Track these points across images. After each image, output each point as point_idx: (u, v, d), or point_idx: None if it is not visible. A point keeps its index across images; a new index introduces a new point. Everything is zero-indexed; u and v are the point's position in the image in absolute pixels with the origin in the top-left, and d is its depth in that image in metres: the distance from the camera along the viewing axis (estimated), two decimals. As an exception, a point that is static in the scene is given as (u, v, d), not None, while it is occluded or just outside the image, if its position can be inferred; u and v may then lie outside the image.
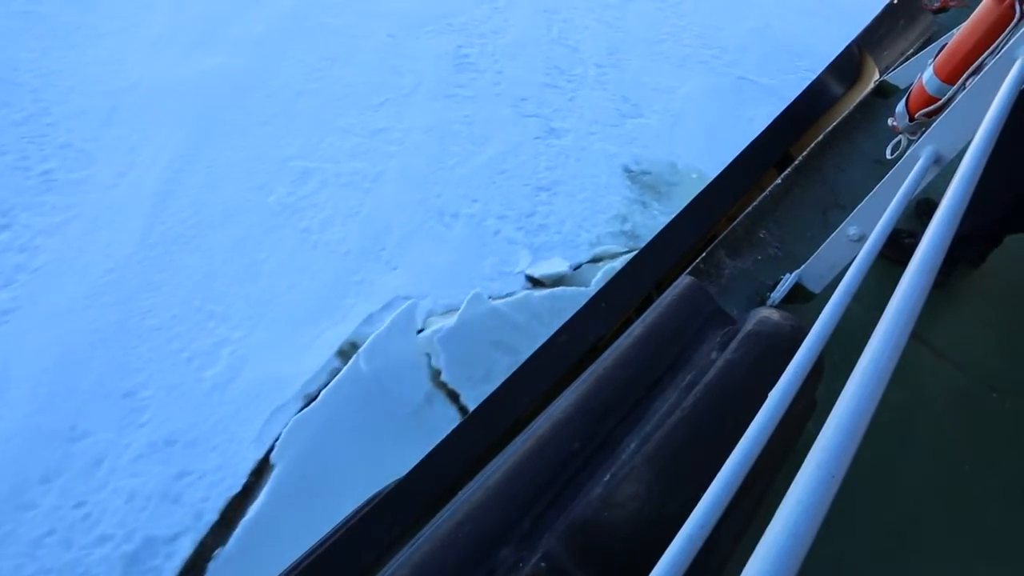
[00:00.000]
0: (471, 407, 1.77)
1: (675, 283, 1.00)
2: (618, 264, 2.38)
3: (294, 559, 0.98)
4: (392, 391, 1.77)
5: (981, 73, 0.97)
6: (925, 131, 1.07)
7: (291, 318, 1.97)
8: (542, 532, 0.69)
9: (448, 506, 0.72)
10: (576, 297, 2.22)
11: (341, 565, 1.03)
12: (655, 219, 2.69)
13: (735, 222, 1.46)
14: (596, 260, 2.46)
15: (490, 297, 2.10)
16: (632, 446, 0.76)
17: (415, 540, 0.69)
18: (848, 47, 2.54)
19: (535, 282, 2.28)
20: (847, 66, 2.55)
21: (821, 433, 0.44)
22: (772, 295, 1.31)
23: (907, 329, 0.51)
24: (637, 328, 0.91)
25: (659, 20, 4.40)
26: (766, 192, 1.57)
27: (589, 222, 2.56)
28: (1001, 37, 1.00)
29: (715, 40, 4.40)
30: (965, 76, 1.07)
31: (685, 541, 0.51)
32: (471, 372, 1.87)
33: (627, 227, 2.58)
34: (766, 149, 2.25)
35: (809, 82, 2.40)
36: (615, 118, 3.24)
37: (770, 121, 2.24)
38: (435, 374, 1.85)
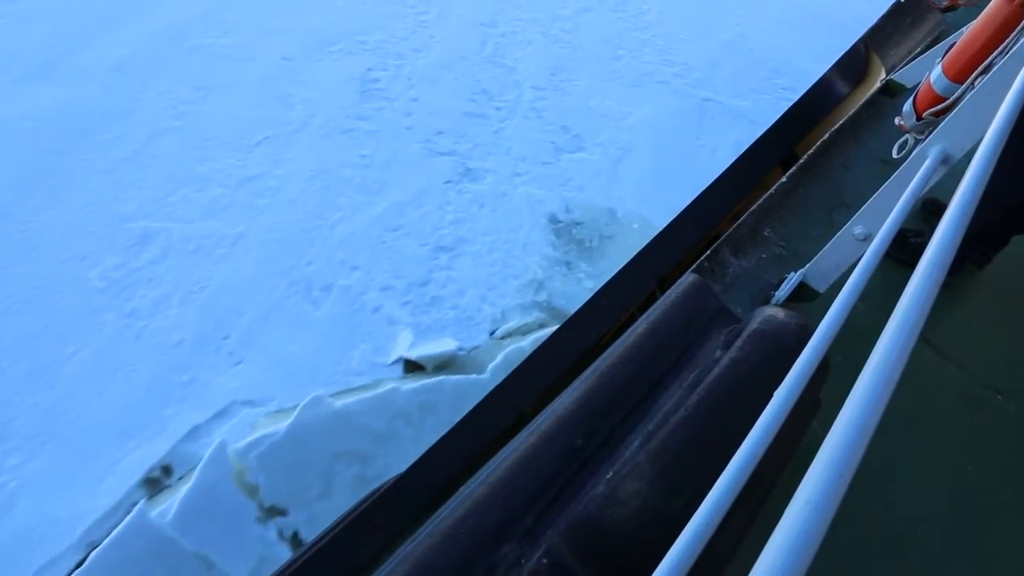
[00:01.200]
0: (306, 536, 1.52)
1: (679, 281, 1.03)
2: (527, 344, 2.13)
3: (296, 552, 1.03)
4: (195, 535, 1.51)
5: (990, 72, 0.99)
6: (932, 130, 1.09)
7: (89, 435, 1.70)
8: (544, 528, 0.72)
9: (450, 501, 0.75)
10: (464, 388, 1.96)
11: (343, 559, 1.07)
12: (579, 285, 2.44)
13: (739, 220, 1.50)
14: (501, 337, 2.21)
15: (343, 393, 1.84)
16: (635, 443, 0.80)
17: (417, 535, 0.71)
18: (855, 45, 2.61)
19: (413, 367, 2.02)
20: (853, 65, 2.61)
21: (830, 432, 0.47)
22: (777, 294, 1.36)
23: (916, 331, 0.53)
24: (641, 325, 0.94)
25: (617, 32, 4.20)
26: (771, 191, 1.61)
27: (496, 291, 2.30)
28: (1011, 37, 1.03)
29: (680, 55, 4.19)
30: (974, 75, 1.10)
31: (688, 540, 0.54)
32: (301, 493, 1.61)
33: (542, 297, 2.32)
34: (771, 148, 2.35)
35: (814, 81, 2.48)
36: (549, 153, 3.00)
37: (773, 122, 2.34)
38: (256, 504, 1.59)
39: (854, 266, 0.90)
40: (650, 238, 1.85)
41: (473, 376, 1.99)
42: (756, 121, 3.83)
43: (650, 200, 2.91)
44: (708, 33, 4.60)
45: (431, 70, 3.27)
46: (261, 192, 2.40)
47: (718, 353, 0.92)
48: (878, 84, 2.18)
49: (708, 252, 1.45)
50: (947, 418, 1.35)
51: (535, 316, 2.26)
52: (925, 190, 1.05)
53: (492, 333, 2.16)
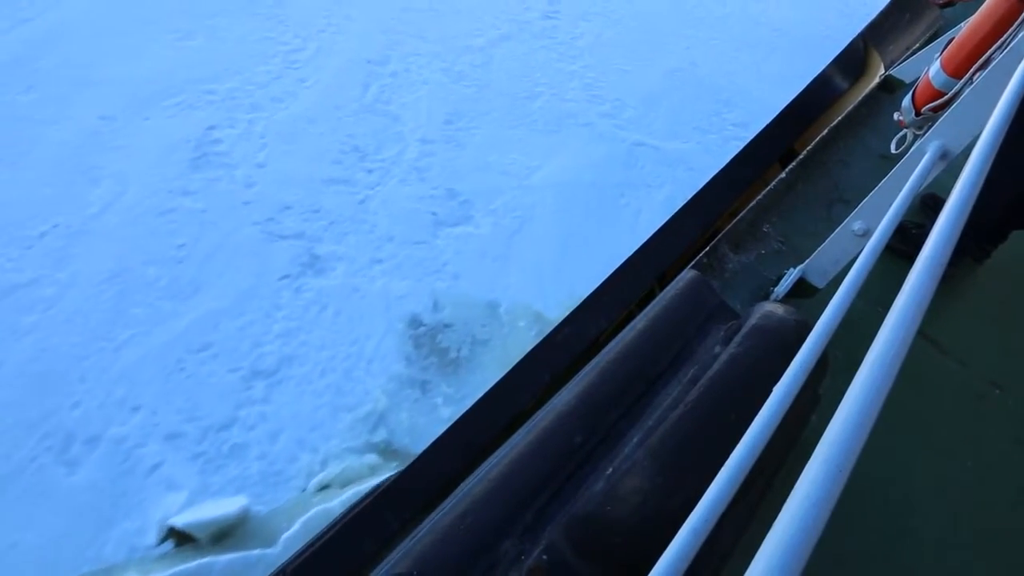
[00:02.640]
0: None
1: (678, 277, 1.12)
2: (338, 503, 1.86)
3: (297, 548, 1.08)
4: None
5: (989, 68, 1.08)
6: (931, 126, 1.18)
7: None
8: (544, 525, 0.80)
9: (450, 498, 0.83)
10: (238, 572, 1.68)
11: (344, 555, 1.13)
12: (433, 414, 2.18)
13: (738, 216, 1.60)
14: (317, 490, 1.94)
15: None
16: (635, 440, 0.88)
17: (417, 531, 0.79)
18: (853, 41, 2.79)
19: (182, 539, 1.73)
20: (852, 60, 2.78)
21: (828, 428, 0.51)
22: (776, 289, 1.46)
23: (914, 326, 0.58)
24: (640, 321, 1.03)
25: (538, 65, 4.01)
26: (770, 186, 1.73)
27: (320, 432, 2.03)
28: (1009, 32, 1.12)
29: (613, 89, 4.00)
30: (972, 70, 1.20)
31: (688, 535, 0.59)
32: None
33: (380, 436, 2.05)
34: (770, 144, 2.51)
35: (814, 76, 2.64)
36: (424, 229, 2.76)
37: (768, 121, 2.47)
38: None
39: (853, 262, 0.97)
40: (550, 328, 1.77)
41: (257, 551, 1.71)
42: (696, 168, 3.64)
43: (547, 286, 2.68)
44: (650, 60, 4.43)
45: (292, 124, 3.02)
46: (30, 306, 2.11)
47: (717, 349, 1.00)
48: (877, 80, 2.33)
49: (707, 248, 1.54)
50: (946, 413, 1.43)
51: (366, 460, 1.99)
52: (924, 185, 1.13)
53: (304, 489, 1.89)
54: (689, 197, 2.16)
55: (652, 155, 3.61)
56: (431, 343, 2.35)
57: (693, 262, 1.51)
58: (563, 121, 3.60)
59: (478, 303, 2.53)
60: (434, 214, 2.81)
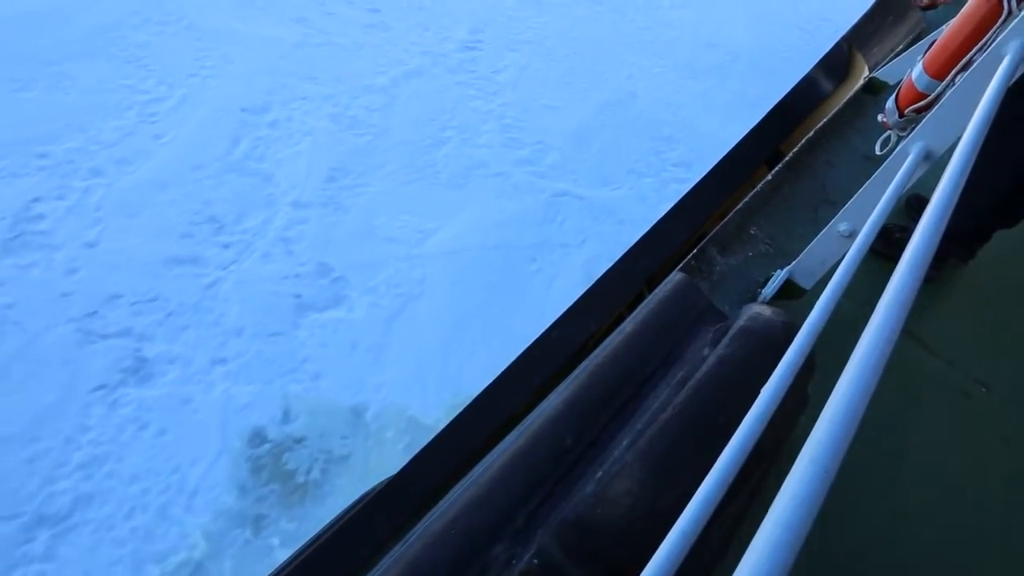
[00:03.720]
0: None
1: (666, 280, 1.25)
2: None
3: (287, 556, 1.15)
4: None
5: (970, 69, 1.22)
6: (915, 127, 1.33)
7: None
8: (535, 529, 0.87)
9: (441, 503, 0.91)
10: None
11: (334, 562, 1.23)
12: (266, 558, 1.99)
13: (726, 219, 1.72)
14: None
15: None
16: (625, 442, 0.96)
17: (408, 537, 0.87)
18: (838, 44, 3.03)
19: None
20: (836, 63, 3.02)
21: (814, 428, 0.55)
22: (763, 291, 1.56)
23: (899, 324, 0.64)
24: (629, 324, 1.14)
25: (449, 105, 3.91)
26: (756, 189, 1.86)
27: (112, 597, 1.83)
28: (990, 33, 1.26)
29: (535, 129, 3.92)
30: (954, 72, 1.33)
31: (678, 537, 0.64)
32: None
33: (190, 598, 1.86)
34: (756, 146, 2.68)
35: (798, 80, 2.85)
36: (285, 316, 2.59)
37: (757, 121, 2.66)
38: None
39: (840, 263, 1.05)
40: (424, 436, 1.71)
41: None
42: (626, 220, 3.55)
43: (429, 383, 2.52)
44: (583, 93, 4.37)
45: (137, 192, 2.85)
46: None
47: (705, 351, 1.07)
48: (861, 82, 2.51)
49: (695, 251, 1.65)
50: (933, 412, 1.55)
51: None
52: (908, 186, 1.23)
53: None
54: (680, 196, 2.37)
55: (575, 207, 3.50)
56: (274, 465, 2.16)
57: (681, 265, 1.61)
58: (471, 172, 3.48)
59: (340, 409, 2.36)
60: (298, 297, 2.65)
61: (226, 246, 2.74)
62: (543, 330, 1.76)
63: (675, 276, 1.28)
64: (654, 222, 2.44)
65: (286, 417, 2.30)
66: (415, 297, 2.78)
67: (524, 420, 1.02)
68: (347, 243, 2.90)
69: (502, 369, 1.65)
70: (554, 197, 3.51)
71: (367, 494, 1.38)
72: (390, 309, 2.71)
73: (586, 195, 3.59)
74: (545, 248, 3.21)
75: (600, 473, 0.92)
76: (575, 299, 1.88)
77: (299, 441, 2.23)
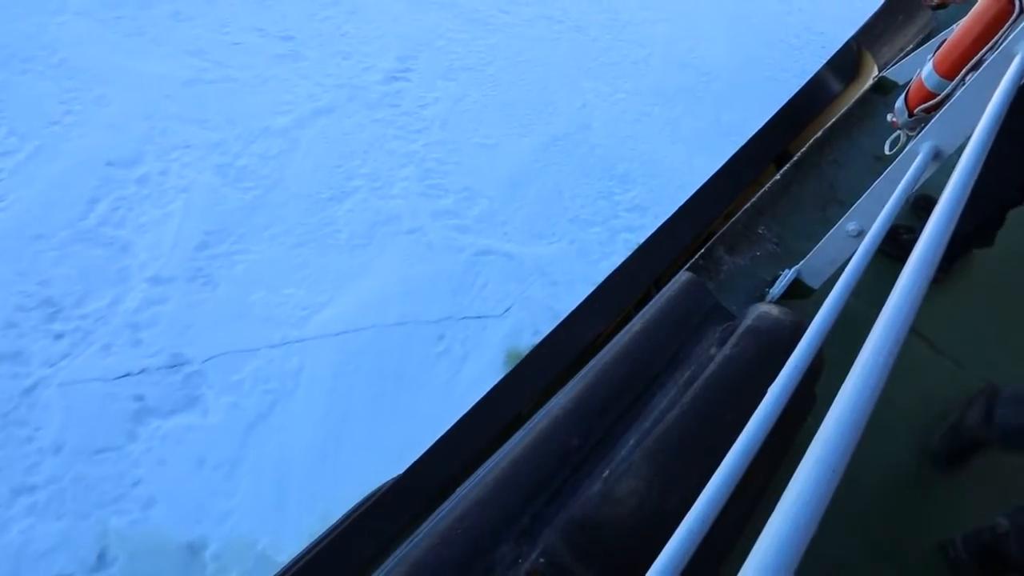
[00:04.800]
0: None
1: (674, 279, 1.37)
2: None
3: (294, 555, 1.27)
4: None
5: (980, 68, 1.31)
6: (924, 127, 1.42)
7: None
8: (541, 528, 0.94)
9: (447, 502, 0.98)
10: None
11: (340, 561, 1.33)
12: None
13: (734, 218, 1.91)
14: None
15: None
16: (631, 442, 1.04)
17: (414, 536, 0.94)
18: (847, 43, 3.23)
19: None
20: (845, 62, 3.21)
21: (821, 428, 0.61)
22: (771, 291, 1.72)
23: (907, 324, 0.70)
24: (636, 324, 1.24)
25: (362, 147, 3.71)
26: (765, 188, 2.02)
27: None
28: (1000, 32, 1.35)
29: (464, 174, 3.70)
30: (964, 71, 1.44)
31: (684, 536, 0.69)
32: None
33: None
34: (765, 145, 2.85)
35: (807, 79, 3.06)
36: (116, 428, 2.33)
37: (766, 120, 2.84)
38: None
39: (848, 262, 1.16)
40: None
41: None
42: (561, 281, 3.34)
43: (289, 506, 2.27)
44: (526, 127, 4.20)
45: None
46: None
47: (713, 351, 1.18)
48: (870, 81, 2.68)
49: (702, 250, 1.76)
50: (941, 412, 1.65)
51: None
52: (917, 186, 1.36)
53: None
54: (683, 203, 2.50)
55: (501, 267, 3.30)
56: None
57: (688, 264, 1.72)
58: (377, 229, 3.28)
59: (172, 546, 2.11)
60: (139, 399, 2.42)
61: (58, 336, 2.53)
62: (550, 330, 1.92)
63: (682, 275, 1.36)
64: (612, 268, 2.40)
65: (101, 561, 2.06)
66: (286, 394, 2.55)
67: (531, 419, 1.08)
68: (211, 327, 2.69)
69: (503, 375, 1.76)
70: (477, 256, 3.31)
71: (373, 493, 1.46)
72: (254, 411, 2.48)
73: (516, 252, 3.38)
74: (457, 322, 2.99)
75: (607, 472, 0.99)
76: (582, 300, 2.02)
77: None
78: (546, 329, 3.09)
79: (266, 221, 3.17)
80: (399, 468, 1.89)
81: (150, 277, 2.79)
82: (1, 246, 2.76)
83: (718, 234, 1.86)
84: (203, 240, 2.99)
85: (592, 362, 1.17)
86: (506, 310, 3.11)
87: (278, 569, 1.41)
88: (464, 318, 3.03)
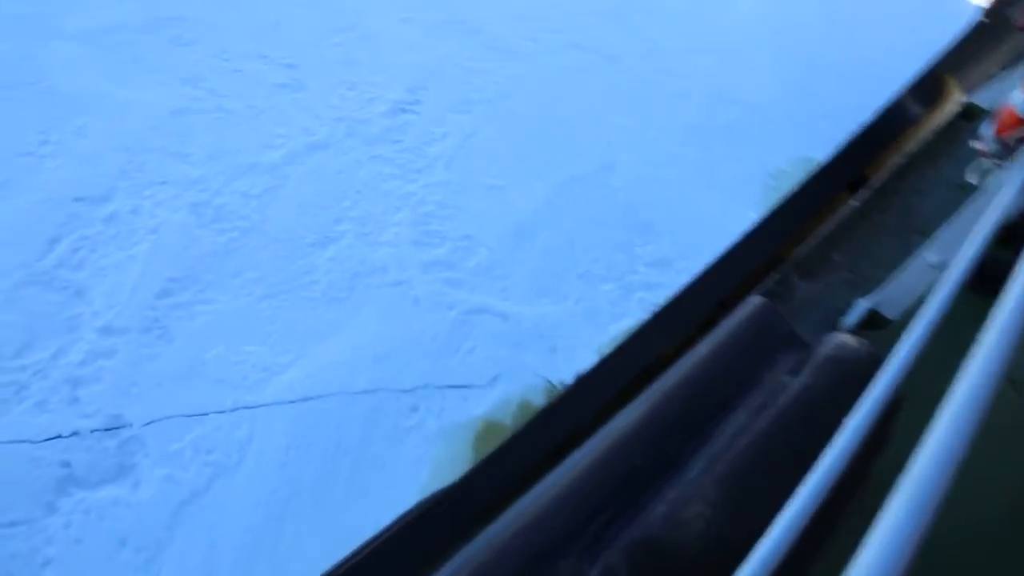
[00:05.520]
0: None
1: (744, 302, 1.41)
2: None
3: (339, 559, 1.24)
4: None
5: None
6: (1014, 155, 1.47)
7: None
8: (603, 547, 1.00)
9: (506, 513, 1.03)
10: None
11: (390, 568, 1.36)
12: None
13: (806, 242, 2.00)
14: None
15: None
16: (699, 466, 1.08)
17: (471, 546, 0.99)
18: (929, 66, 3.30)
19: None
20: (928, 87, 3.24)
21: (909, 469, 0.64)
22: (845, 320, 1.75)
23: (1001, 366, 0.73)
24: (705, 346, 1.29)
25: (356, 187, 3.67)
26: (840, 213, 2.13)
27: None
28: None
29: (464, 219, 3.62)
30: None
31: (756, 566, 0.73)
32: None
33: None
34: (839, 170, 2.86)
35: (886, 102, 3.01)
36: (35, 498, 2.23)
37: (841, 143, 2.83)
38: None
39: (927, 295, 1.19)
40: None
41: None
42: (561, 347, 3.21)
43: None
44: (541, 168, 4.12)
45: (-101, 314, 2.72)
46: None
47: (786, 378, 1.22)
48: (955, 107, 2.72)
49: (774, 274, 1.84)
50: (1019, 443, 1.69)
51: None
52: (1005, 217, 1.36)
53: None
54: (751, 225, 2.42)
55: (492, 329, 3.19)
56: None
57: (758, 287, 1.80)
58: (359, 280, 3.24)
59: (73, 642, 2.04)
60: (66, 466, 2.39)
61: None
62: (609, 351, 1.96)
63: (754, 299, 1.41)
64: (623, 332, 2.30)
65: (-8, 655, 2.00)
66: (229, 468, 2.48)
67: (594, 436, 1.14)
68: (158, 386, 2.66)
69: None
70: (467, 315, 3.22)
71: (427, 500, 1.51)
72: (189, 486, 2.42)
73: (512, 312, 3.27)
74: (435, 391, 2.88)
75: (672, 495, 1.02)
76: (646, 318, 2.10)
77: None
78: (538, 403, 3.01)
79: (238, 267, 3.16)
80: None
81: (101, 327, 2.79)
82: (-52, 287, 2.82)
83: (790, 259, 1.94)
84: (165, 287, 2.99)
85: (658, 382, 1.23)
86: (493, 379, 2.99)
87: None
88: (443, 387, 2.92)
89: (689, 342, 1.37)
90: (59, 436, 2.47)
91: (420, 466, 2.64)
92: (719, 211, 4.08)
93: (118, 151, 3.57)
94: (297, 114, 4.09)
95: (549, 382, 3.05)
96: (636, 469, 1.08)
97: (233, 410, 2.64)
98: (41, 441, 2.44)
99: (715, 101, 4.93)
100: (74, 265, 3.01)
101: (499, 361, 3.07)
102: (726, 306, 2.11)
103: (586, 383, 1.97)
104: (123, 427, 2.53)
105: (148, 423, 2.55)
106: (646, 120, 4.63)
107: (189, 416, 2.60)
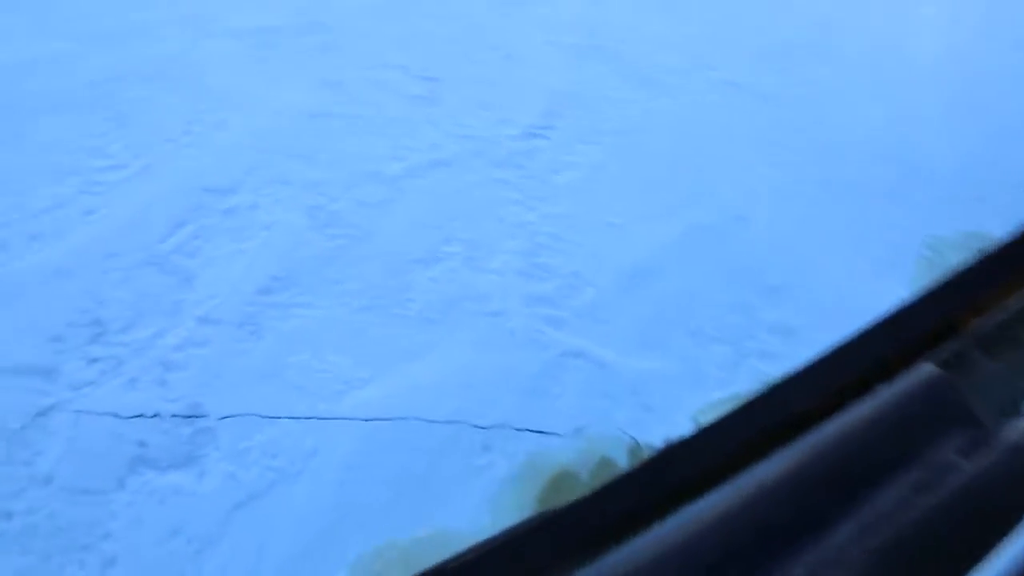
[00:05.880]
0: None
1: (915, 369, 1.24)
2: None
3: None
4: None
5: None
6: None
7: None
8: None
9: (629, 545, 0.93)
10: None
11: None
12: None
13: (989, 314, 1.72)
14: None
15: None
16: (847, 532, 0.98)
17: (588, 571, 0.89)
18: None
19: None
20: None
21: None
22: None
23: None
24: (865, 408, 1.16)
25: (471, 209, 3.75)
26: None
27: None
28: None
29: (580, 254, 3.60)
30: None
31: None
32: None
33: None
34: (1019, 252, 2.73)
35: None
36: (108, 471, 2.38)
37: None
38: None
39: None
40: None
41: None
42: (656, 407, 3.08)
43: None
44: (669, 209, 4.02)
45: (31, 275, 2.99)
46: None
47: (956, 458, 1.11)
48: None
49: (949, 343, 1.66)
50: None
51: None
52: None
53: None
54: (924, 287, 2.48)
55: (587, 376, 3.11)
56: None
57: (930, 354, 1.62)
58: (457, 305, 3.26)
59: (112, 622, 2.16)
60: (142, 445, 2.56)
61: (93, 361, 2.77)
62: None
63: (926, 367, 1.27)
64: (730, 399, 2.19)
65: (41, 618, 2.16)
66: (290, 476, 2.56)
67: (734, 481, 1.06)
68: (240, 382, 2.80)
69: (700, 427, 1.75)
70: (562, 357, 3.15)
71: (549, 512, 1.29)
72: (249, 487, 2.51)
73: (610, 361, 3.17)
74: (513, 433, 2.84)
75: (814, 558, 0.97)
76: (800, 365, 2.08)
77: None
78: (620, 463, 2.89)
79: (340, 275, 3.29)
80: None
81: (200, 316, 2.99)
82: (77, 258, 3.13)
83: (970, 328, 1.88)
84: (267, 285, 3.16)
85: (809, 436, 1.12)
86: (576, 430, 2.90)
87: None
88: (523, 429, 2.87)
89: (840, 399, 1.20)
90: (142, 415, 2.65)
91: (482, 509, 2.59)
92: (863, 284, 3.77)
93: (251, 147, 3.84)
94: (427, 128, 4.23)
95: (636, 442, 2.92)
96: (774, 524, 1.00)
97: (305, 418, 2.73)
98: (127, 417, 2.63)
99: (875, 158, 4.59)
100: (189, 252, 3.25)
101: (586, 411, 2.98)
102: (888, 369, 2.05)
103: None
104: (200, 416, 2.67)
105: (224, 417, 2.68)
106: (793, 171, 4.39)
107: (263, 417, 2.70)
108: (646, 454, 2.85)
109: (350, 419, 2.76)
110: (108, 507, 2.41)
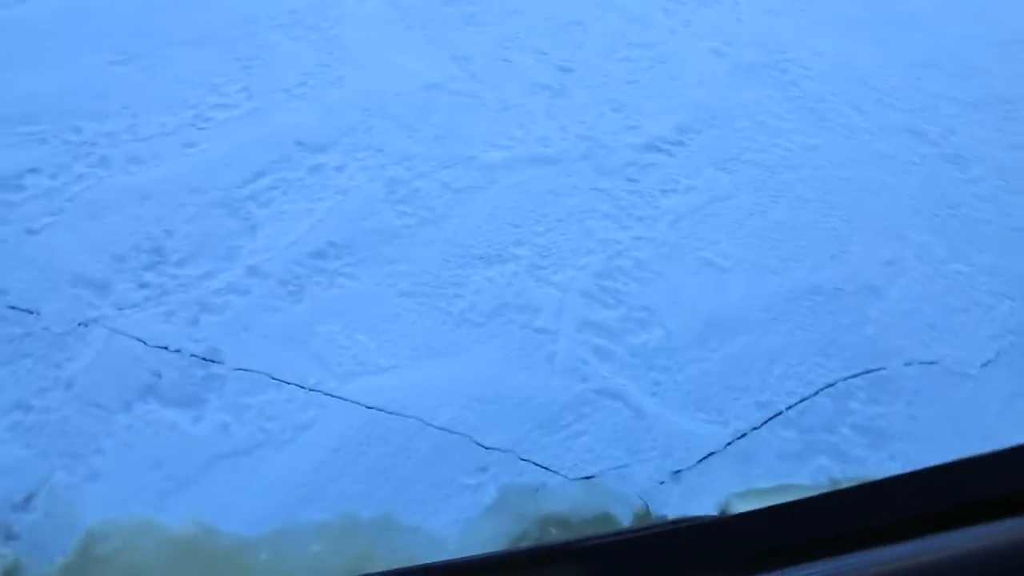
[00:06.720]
0: None
1: (1012, 523, 1.24)
2: None
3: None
4: None
5: None
6: None
7: None
8: None
9: None
10: None
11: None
12: None
13: None
14: None
15: None
16: None
17: None
18: None
19: None
20: None
21: None
22: None
23: None
24: (943, 549, 1.14)
25: (558, 214, 3.89)
26: None
27: None
28: None
29: (659, 288, 3.65)
30: None
31: None
32: None
33: None
34: None
35: None
36: (121, 392, 2.82)
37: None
38: None
39: None
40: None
41: None
42: (684, 479, 3.08)
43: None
44: (784, 262, 3.94)
45: (117, 196, 3.51)
46: None
47: None
48: None
49: None
50: None
51: None
52: None
53: None
54: None
55: (618, 422, 3.16)
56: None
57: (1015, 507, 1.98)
58: (502, 313, 3.41)
59: (79, 528, 2.56)
60: (157, 376, 2.96)
61: (142, 286, 3.23)
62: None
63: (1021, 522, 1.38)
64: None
65: (25, 504, 2.59)
66: (278, 443, 2.84)
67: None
68: (264, 339, 3.13)
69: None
70: (597, 394, 3.21)
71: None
72: (237, 442, 2.82)
73: (651, 412, 3.18)
74: (514, 462, 2.95)
75: None
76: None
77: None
78: (621, 523, 2.91)
79: (396, 254, 3.54)
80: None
81: (250, 266, 3.36)
82: (162, 186, 3.62)
83: None
84: (322, 248, 3.49)
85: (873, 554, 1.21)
86: (585, 477, 2.96)
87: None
88: (527, 460, 2.97)
89: (904, 531, 1.23)
90: (167, 348, 3.05)
91: (451, 530, 2.73)
92: (1002, 396, 3.47)
93: (357, 108, 4.20)
94: (543, 120, 4.39)
95: (647, 508, 2.92)
96: None
97: (311, 390, 3.01)
98: (152, 346, 3.05)
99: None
100: (263, 201, 3.65)
101: (604, 459, 3.02)
102: (964, 514, 1.91)
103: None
104: (216, 363, 3.03)
105: (237, 369, 3.02)
106: (960, 249, 4.08)
107: (273, 378, 3.02)
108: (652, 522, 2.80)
109: (353, 402, 3.00)
110: (109, 425, 2.81)
